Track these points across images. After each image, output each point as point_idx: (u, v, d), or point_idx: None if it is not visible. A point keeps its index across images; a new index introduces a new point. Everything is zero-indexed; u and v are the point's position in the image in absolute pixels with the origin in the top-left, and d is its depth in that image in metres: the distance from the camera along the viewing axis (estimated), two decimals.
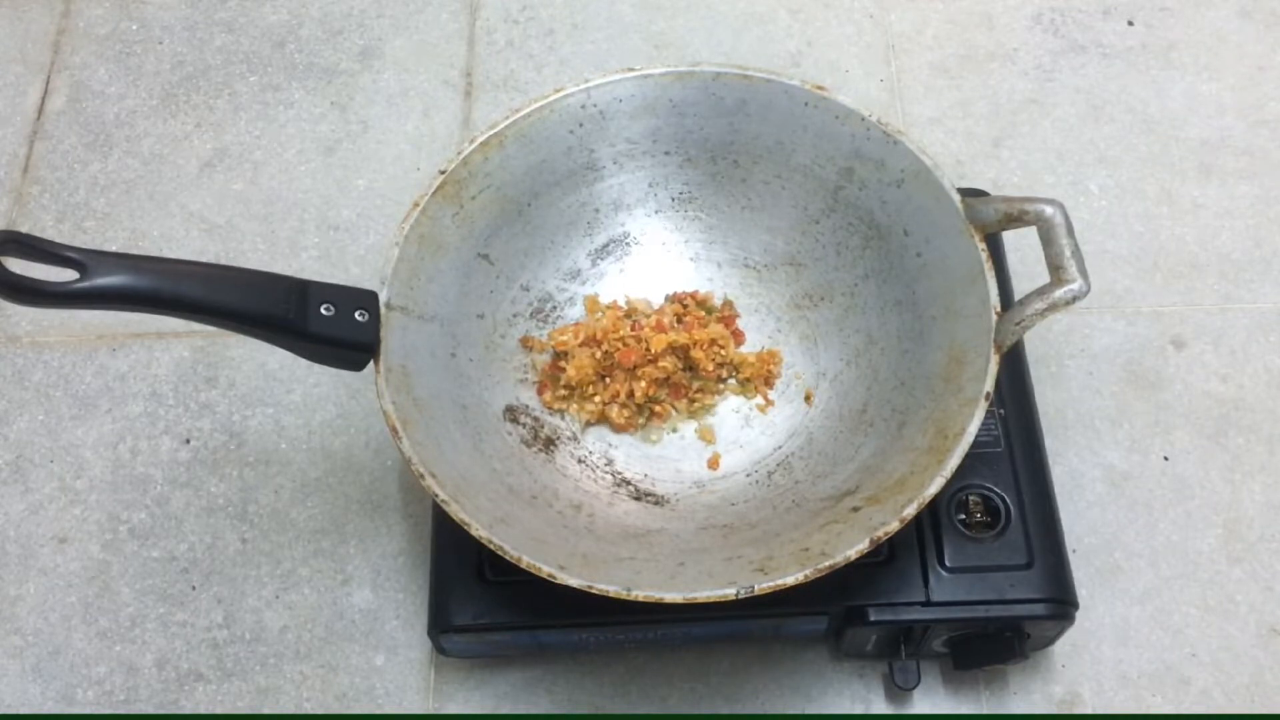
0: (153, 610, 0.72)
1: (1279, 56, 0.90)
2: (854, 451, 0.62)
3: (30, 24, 0.96)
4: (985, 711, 0.67)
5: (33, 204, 0.87)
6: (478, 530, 0.53)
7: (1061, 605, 0.61)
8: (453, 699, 0.69)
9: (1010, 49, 0.92)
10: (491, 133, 0.66)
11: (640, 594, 0.52)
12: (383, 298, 0.59)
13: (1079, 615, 0.62)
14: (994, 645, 0.62)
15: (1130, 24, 0.92)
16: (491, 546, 0.53)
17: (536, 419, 0.67)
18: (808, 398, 0.67)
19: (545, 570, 0.53)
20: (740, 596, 0.52)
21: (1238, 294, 0.80)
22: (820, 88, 0.66)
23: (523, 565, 0.53)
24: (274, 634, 0.71)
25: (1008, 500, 0.63)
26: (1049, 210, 0.57)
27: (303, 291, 0.56)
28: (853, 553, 0.52)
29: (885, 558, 0.62)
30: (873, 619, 0.61)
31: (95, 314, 0.82)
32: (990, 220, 0.59)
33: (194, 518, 0.74)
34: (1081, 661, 0.68)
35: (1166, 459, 0.74)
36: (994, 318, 0.57)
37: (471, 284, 0.66)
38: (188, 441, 0.77)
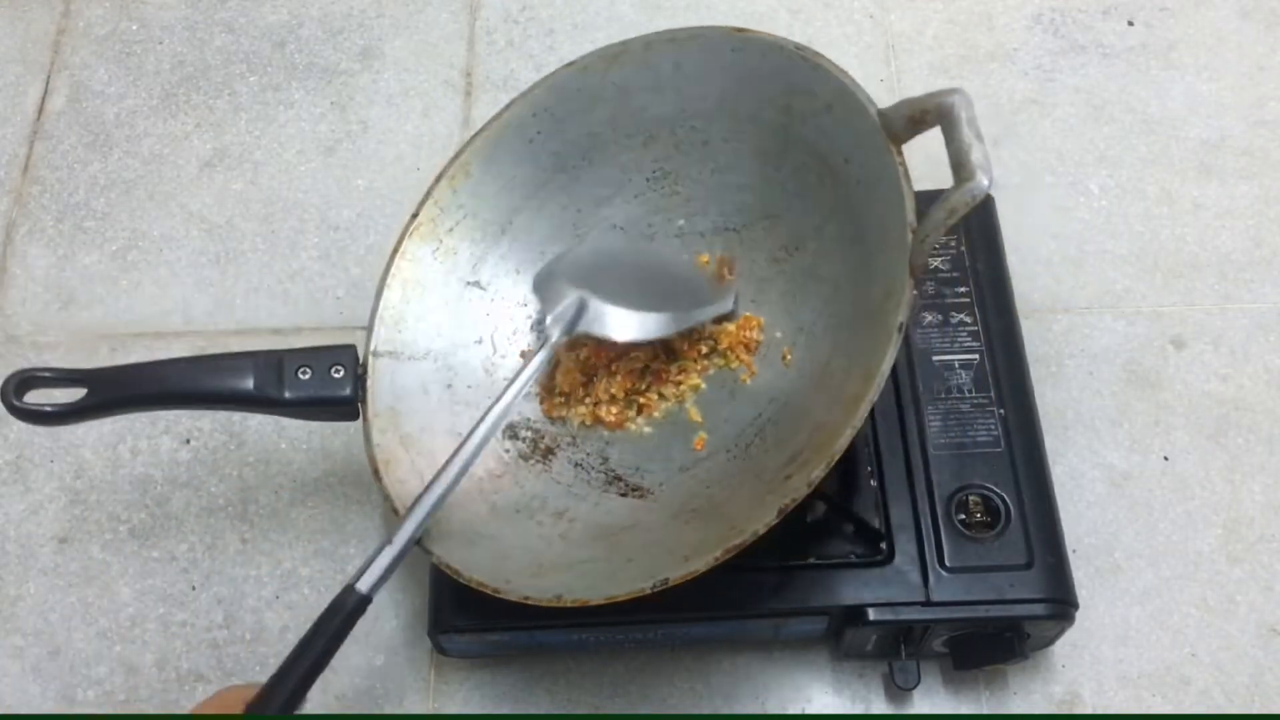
0: (153, 610, 0.72)
1: (1279, 56, 0.90)
2: (812, 411, 0.59)
3: (30, 24, 0.96)
4: (985, 711, 0.67)
5: (33, 204, 0.87)
6: (437, 556, 0.56)
7: (1061, 605, 0.61)
8: (453, 699, 0.69)
9: (1010, 49, 0.92)
10: (456, 164, 0.65)
11: (570, 599, 0.52)
12: (370, 346, 0.61)
13: (1079, 615, 0.62)
14: (994, 645, 0.62)
15: (1130, 24, 0.92)
16: (443, 568, 0.56)
17: (537, 430, 0.66)
18: (784, 358, 0.65)
19: (490, 586, 0.54)
20: (654, 590, 0.50)
21: (1238, 294, 0.80)
22: (740, 30, 0.64)
23: (472, 584, 0.55)
24: (274, 634, 0.71)
25: (1008, 500, 0.63)
26: (949, 100, 0.50)
27: (278, 363, 0.59)
28: (761, 527, 0.49)
29: (885, 557, 0.62)
30: (873, 619, 0.61)
31: (94, 312, 0.82)
32: (900, 127, 0.54)
33: (194, 518, 0.74)
34: (1081, 661, 0.68)
35: (1166, 459, 0.74)
36: (909, 237, 0.52)
37: (464, 313, 0.66)
38: (188, 441, 0.77)
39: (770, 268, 0.68)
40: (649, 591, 0.50)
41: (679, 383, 0.67)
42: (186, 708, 0.69)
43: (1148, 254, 0.82)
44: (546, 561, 0.57)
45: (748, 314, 0.68)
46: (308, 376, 0.59)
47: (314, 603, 0.72)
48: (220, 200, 0.87)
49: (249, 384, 0.58)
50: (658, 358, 0.67)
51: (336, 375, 0.59)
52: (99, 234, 0.86)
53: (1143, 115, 0.88)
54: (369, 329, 0.62)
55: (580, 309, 0.61)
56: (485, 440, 0.56)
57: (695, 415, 0.66)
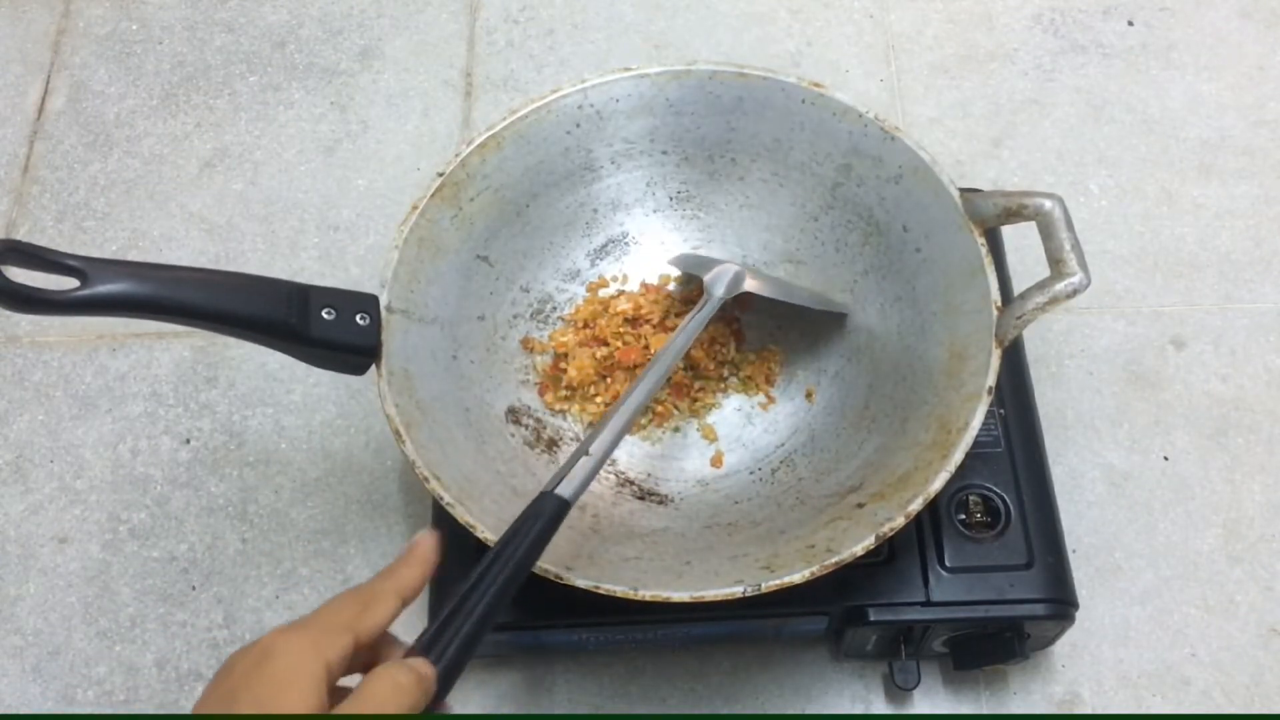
0: (153, 610, 0.72)
1: (1279, 56, 0.90)
2: (857, 448, 0.62)
3: (30, 24, 0.96)
4: (985, 711, 0.67)
5: (33, 204, 0.87)
6: (483, 533, 0.53)
7: (1061, 605, 0.61)
8: (453, 699, 0.69)
9: (1010, 49, 0.92)
10: (489, 134, 0.66)
11: (647, 594, 0.52)
12: (383, 301, 0.59)
13: (1079, 615, 0.62)
14: (994, 645, 0.62)
15: (1130, 24, 0.92)
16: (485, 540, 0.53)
17: (539, 420, 0.67)
18: (809, 395, 0.67)
19: (552, 571, 0.52)
20: (747, 594, 0.51)
21: (1238, 294, 0.80)
22: (817, 85, 0.66)
23: (535, 571, 0.53)
24: None
25: (1008, 500, 0.63)
26: (1048, 204, 0.57)
27: (304, 296, 0.56)
28: (859, 549, 0.52)
29: (885, 558, 0.61)
30: (873, 619, 0.61)
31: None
32: (989, 215, 0.60)
33: (194, 518, 0.74)
34: (1081, 661, 0.68)
35: (1166, 459, 0.74)
36: (995, 313, 0.57)
37: (471, 286, 0.66)
38: (188, 441, 0.77)
39: (790, 308, 0.69)
40: (741, 595, 0.51)
41: (697, 398, 0.68)
42: (187, 708, 0.69)
43: (1148, 254, 0.82)
44: (596, 554, 0.56)
45: (772, 347, 0.69)
46: (332, 318, 0.56)
47: (314, 603, 0.71)
48: (220, 200, 0.87)
49: (271, 309, 0.54)
50: (681, 370, 0.68)
51: (362, 323, 0.57)
52: (99, 234, 0.86)
53: (1143, 115, 0.88)
54: (383, 283, 0.60)
55: (739, 273, 0.64)
56: (665, 373, 0.57)
57: (711, 433, 0.67)
